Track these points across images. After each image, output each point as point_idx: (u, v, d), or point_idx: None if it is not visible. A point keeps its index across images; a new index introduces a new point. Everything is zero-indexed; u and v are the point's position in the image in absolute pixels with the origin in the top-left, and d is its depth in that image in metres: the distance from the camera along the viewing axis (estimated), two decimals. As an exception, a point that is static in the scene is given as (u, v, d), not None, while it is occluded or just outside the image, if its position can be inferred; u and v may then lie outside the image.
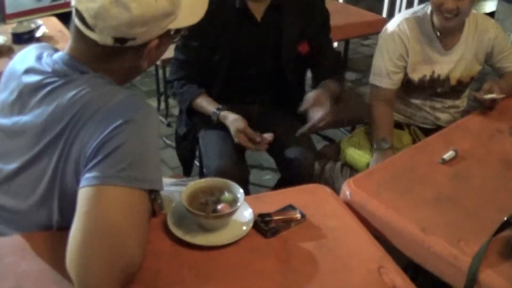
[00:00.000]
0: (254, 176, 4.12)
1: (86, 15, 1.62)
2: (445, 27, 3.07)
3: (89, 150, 1.54)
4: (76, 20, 1.67)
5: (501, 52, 3.26)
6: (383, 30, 3.25)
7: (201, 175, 3.40)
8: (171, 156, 3.84)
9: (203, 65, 3.07)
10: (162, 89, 5.21)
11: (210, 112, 2.98)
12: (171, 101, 5.25)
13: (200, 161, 3.35)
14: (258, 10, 3.03)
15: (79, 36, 1.69)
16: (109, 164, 1.52)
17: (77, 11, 1.64)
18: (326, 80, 3.07)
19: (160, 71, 5.00)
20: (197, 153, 3.31)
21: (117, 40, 1.65)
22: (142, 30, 1.65)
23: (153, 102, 5.33)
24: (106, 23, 1.61)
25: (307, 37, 3.12)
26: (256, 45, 3.07)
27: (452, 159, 2.52)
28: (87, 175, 1.52)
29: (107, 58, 1.71)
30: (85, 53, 1.71)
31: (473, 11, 3.10)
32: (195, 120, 3.16)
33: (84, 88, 1.64)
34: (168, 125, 5.00)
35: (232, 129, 2.86)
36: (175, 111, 4.80)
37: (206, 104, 3.02)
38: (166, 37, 1.77)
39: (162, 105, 5.23)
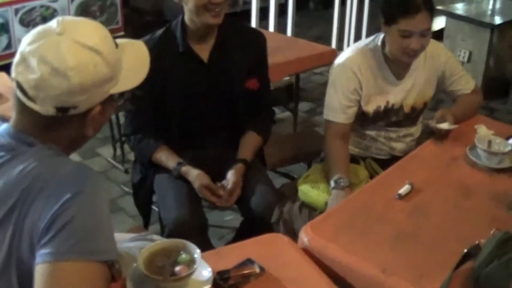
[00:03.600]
0: (215, 217, 4.09)
1: (26, 87, 1.62)
2: (406, 63, 3.11)
3: (41, 226, 1.54)
4: (18, 92, 1.66)
5: (453, 75, 3.28)
6: (334, 64, 3.22)
7: (161, 221, 3.38)
8: (130, 203, 3.78)
9: (155, 113, 3.06)
10: (117, 136, 5.15)
11: (170, 167, 3.01)
12: (127, 147, 5.20)
13: (159, 209, 3.33)
14: (203, 51, 3.04)
15: (22, 108, 1.68)
16: (62, 239, 1.52)
17: (18, 83, 1.64)
18: (250, 133, 3.20)
19: (114, 117, 4.95)
20: (155, 198, 3.29)
21: (59, 109, 1.64)
22: (83, 98, 1.65)
23: (109, 149, 5.27)
24: (46, 93, 1.61)
25: (255, 73, 3.15)
26: (205, 86, 3.07)
27: (409, 193, 2.53)
28: (42, 251, 1.53)
29: (51, 128, 1.70)
30: (30, 124, 1.70)
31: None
32: (149, 168, 3.15)
33: (31, 162, 1.64)
34: (126, 171, 4.94)
35: (196, 185, 2.93)
36: (132, 157, 4.76)
37: (165, 158, 3.05)
38: (109, 101, 1.76)
39: (118, 151, 5.18)
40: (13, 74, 1.67)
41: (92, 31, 1.70)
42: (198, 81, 3.05)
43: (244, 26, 3.34)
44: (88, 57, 1.64)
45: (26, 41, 1.65)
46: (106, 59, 1.67)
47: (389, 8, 2.96)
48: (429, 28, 2.93)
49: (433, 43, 3.19)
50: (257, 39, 3.20)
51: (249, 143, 3.16)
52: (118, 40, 1.83)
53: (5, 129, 1.73)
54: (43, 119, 1.67)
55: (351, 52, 3.20)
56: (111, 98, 1.77)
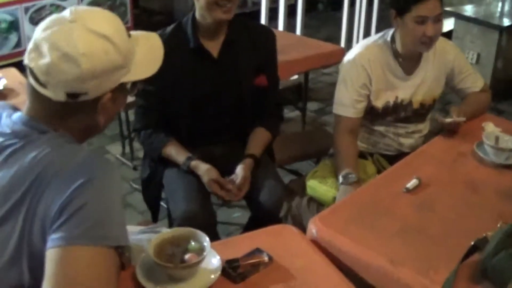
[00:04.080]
0: (223, 214, 4.12)
1: (37, 72, 1.65)
2: (418, 57, 3.14)
3: (53, 211, 1.55)
4: (30, 79, 1.68)
5: (461, 73, 3.30)
6: (344, 60, 3.25)
7: (169, 217, 3.40)
8: (139, 200, 3.81)
9: (165, 109, 3.08)
10: (126, 133, 5.18)
11: (180, 162, 3.02)
12: (136, 144, 5.22)
13: (168, 203, 3.35)
14: (214, 47, 3.06)
15: (34, 94, 1.70)
16: (74, 224, 1.53)
17: (30, 69, 1.66)
18: (259, 129, 3.21)
19: (123, 114, 4.97)
20: (164, 195, 3.30)
21: (69, 95, 1.66)
22: (93, 84, 1.66)
23: (118, 146, 5.32)
24: (57, 78, 1.63)
25: (264, 70, 3.16)
26: (215, 82, 3.08)
27: (416, 187, 2.54)
28: (53, 236, 1.53)
29: (63, 115, 1.72)
30: (43, 112, 1.72)
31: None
32: (158, 163, 3.17)
33: (44, 149, 1.64)
34: (134, 168, 4.96)
35: (205, 179, 2.93)
36: (141, 154, 4.78)
37: (175, 153, 3.06)
38: (120, 90, 1.77)
39: (127, 149, 5.21)
40: (25, 60, 1.69)
41: (105, 20, 1.72)
42: (207, 77, 3.06)
43: (254, 23, 3.35)
44: (99, 44, 1.65)
45: (40, 29, 1.67)
46: (118, 47, 1.69)
47: None
48: (441, 13, 2.96)
49: (442, 40, 3.20)
50: (267, 36, 3.22)
51: (258, 139, 3.17)
52: (133, 32, 1.85)
53: (19, 116, 1.75)
54: (54, 105, 1.68)
55: (360, 48, 3.22)
56: (122, 87, 1.78)
